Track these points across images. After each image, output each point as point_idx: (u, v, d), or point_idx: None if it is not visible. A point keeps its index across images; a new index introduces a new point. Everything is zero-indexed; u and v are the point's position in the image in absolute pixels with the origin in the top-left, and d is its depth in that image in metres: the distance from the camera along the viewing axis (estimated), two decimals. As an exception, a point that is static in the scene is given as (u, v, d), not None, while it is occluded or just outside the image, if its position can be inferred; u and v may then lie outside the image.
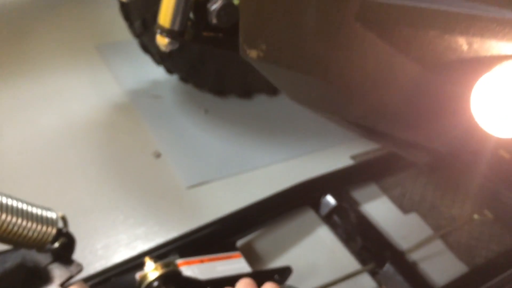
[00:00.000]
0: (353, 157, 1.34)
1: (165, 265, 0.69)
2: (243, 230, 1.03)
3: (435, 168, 0.81)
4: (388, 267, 1.01)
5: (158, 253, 0.92)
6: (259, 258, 1.04)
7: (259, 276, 0.90)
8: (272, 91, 1.51)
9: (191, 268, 0.87)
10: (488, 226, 1.18)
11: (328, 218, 1.14)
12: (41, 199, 0.72)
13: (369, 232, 1.10)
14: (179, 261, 0.87)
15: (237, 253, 0.96)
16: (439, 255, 1.10)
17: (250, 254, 1.03)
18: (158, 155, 1.27)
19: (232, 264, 0.93)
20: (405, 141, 0.54)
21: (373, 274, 1.02)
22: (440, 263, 1.07)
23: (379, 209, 1.19)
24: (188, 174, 1.23)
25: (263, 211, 1.08)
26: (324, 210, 1.14)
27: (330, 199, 1.15)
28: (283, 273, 0.90)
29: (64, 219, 0.74)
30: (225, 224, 1.02)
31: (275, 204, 1.10)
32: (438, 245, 1.12)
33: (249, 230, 1.05)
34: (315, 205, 1.16)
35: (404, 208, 1.21)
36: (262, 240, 1.08)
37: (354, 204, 1.18)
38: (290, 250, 1.08)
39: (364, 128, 0.54)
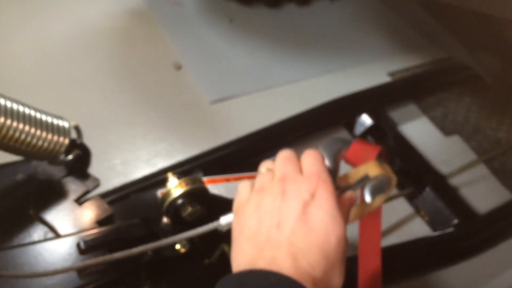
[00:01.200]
0: (390, 74, 1.23)
1: (190, 181, 0.61)
2: (271, 148, 0.95)
3: (496, 83, 0.70)
4: (428, 192, 0.93)
5: (181, 170, 0.85)
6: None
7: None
8: (303, -1, 1.37)
9: (216, 187, 0.80)
10: (538, 151, 1.08)
11: (363, 139, 1.05)
12: (54, 110, 0.64)
13: (407, 154, 1.01)
14: (204, 179, 0.81)
15: (265, 172, 0.89)
16: (483, 180, 1.01)
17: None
18: (178, 67, 1.17)
19: (260, 184, 0.86)
20: (482, 39, 0.43)
21: (411, 199, 0.95)
22: (483, 189, 0.99)
23: (418, 130, 1.10)
24: (211, 89, 1.14)
25: (293, 129, 0.99)
26: (358, 130, 1.05)
27: (366, 118, 1.05)
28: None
29: (77, 129, 0.67)
30: (252, 141, 0.94)
31: (305, 122, 1.01)
32: (481, 170, 1.03)
33: (278, 149, 0.96)
34: (349, 124, 1.07)
35: (446, 130, 1.11)
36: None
37: (392, 124, 1.08)
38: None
39: (444, 12, 0.42)
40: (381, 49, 1.29)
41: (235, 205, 0.48)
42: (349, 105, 1.07)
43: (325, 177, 0.45)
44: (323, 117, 1.04)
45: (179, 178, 0.62)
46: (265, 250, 0.41)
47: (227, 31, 1.27)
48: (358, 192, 0.47)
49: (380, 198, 0.47)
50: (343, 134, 1.07)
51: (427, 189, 0.93)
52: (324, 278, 0.41)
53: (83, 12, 1.25)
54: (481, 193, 0.98)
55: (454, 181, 0.99)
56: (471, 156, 1.06)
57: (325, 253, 0.42)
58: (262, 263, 0.40)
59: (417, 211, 0.94)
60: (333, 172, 0.47)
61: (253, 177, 0.89)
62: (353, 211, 0.48)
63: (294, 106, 1.05)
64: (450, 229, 0.87)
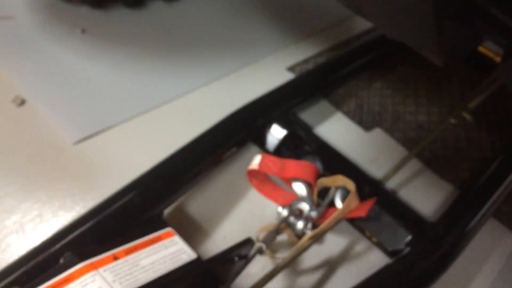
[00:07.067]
0: (290, 69, 1.05)
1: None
2: (169, 194, 0.71)
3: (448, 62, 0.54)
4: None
5: (46, 255, 0.58)
6: (197, 227, 0.74)
7: (222, 259, 0.62)
8: (171, -7, 1.13)
9: (100, 274, 0.54)
10: (463, 130, 0.98)
11: (278, 153, 0.85)
12: None
13: (332, 160, 0.83)
14: (79, 267, 0.54)
15: (167, 229, 0.65)
16: (420, 177, 0.87)
17: (183, 225, 0.72)
18: (21, 102, 0.87)
19: (163, 249, 0.62)
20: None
21: (351, 219, 0.77)
22: (424, 188, 0.85)
23: (337, 130, 0.93)
24: (72, 124, 0.85)
25: (193, 159, 0.76)
26: (271, 144, 0.85)
27: (277, 130, 0.85)
28: (245, 246, 0.62)
29: None
30: (143, 189, 0.69)
31: (204, 150, 0.78)
32: (415, 165, 0.89)
33: (178, 193, 0.73)
34: (258, 138, 0.86)
35: (365, 123, 0.96)
36: (195, 200, 0.78)
37: (307, 128, 0.90)
38: (233, 207, 0.79)
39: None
40: (273, 42, 1.10)
41: None
42: (253, 116, 0.86)
43: None
44: (225, 137, 0.82)
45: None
46: None
47: (80, 45, 0.99)
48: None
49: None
50: (254, 151, 0.86)
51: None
52: None
53: None
54: (424, 193, 0.84)
55: (392, 184, 0.84)
56: (399, 149, 0.92)
57: None
58: None
59: (362, 232, 0.76)
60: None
61: (151, 242, 0.65)
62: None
63: (185, 128, 0.82)
64: (407, 250, 0.71)
